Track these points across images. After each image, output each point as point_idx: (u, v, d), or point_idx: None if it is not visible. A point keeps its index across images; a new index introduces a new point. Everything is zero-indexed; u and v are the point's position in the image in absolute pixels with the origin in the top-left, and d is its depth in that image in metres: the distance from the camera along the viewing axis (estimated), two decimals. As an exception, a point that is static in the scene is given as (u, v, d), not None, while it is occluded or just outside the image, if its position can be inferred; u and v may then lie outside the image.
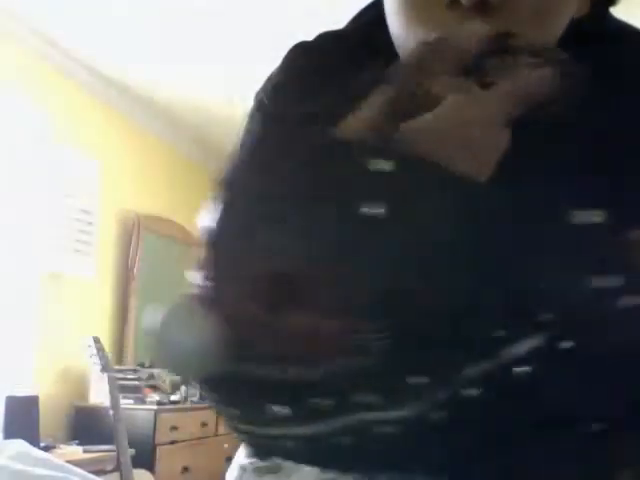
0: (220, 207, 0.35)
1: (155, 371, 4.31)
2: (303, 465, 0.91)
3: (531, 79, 0.36)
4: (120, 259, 4.34)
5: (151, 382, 4.18)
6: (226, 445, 4.19)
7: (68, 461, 2.72)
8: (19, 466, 2.05)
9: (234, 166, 0.36)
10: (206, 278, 0.35)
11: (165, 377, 4.32)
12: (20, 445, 2.29)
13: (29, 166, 3.52)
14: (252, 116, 0.74)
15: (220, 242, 0.35)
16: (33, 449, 2.36)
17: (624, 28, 0.64)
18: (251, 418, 0.36)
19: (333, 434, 0.34)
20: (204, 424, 4.14)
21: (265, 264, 0.32)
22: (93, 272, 3.93)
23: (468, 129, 0.34)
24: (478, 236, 0.31)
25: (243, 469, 0.92)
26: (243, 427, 0.36)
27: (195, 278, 0.36)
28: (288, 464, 0.89)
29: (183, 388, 4.20)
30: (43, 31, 3.51)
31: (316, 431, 0.34)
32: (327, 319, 0.31)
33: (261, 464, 0.91)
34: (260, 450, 0.38)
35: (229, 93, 3.98)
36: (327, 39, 0.74)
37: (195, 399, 4.33)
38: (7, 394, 3.15)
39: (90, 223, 3.94)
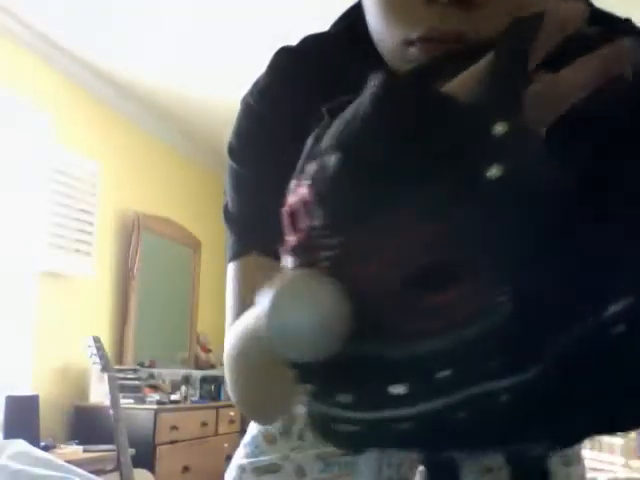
0: (339, 173, 0.32)
1: (155, 371, 4.32)
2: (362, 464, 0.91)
3: (623, 49, 0.35)
4: (120, 259, 4.34)
5: (151, 382, 4.18)
6: (226, 444, 4.19)
7: (68, 461, 2.72)
8: (19, 466, 2.05)
9: (348, 133, 0.33)
10: (334, 249, 0.32)
11: (165, 377, 4.32)
12: (20, 445, 2.29)
13: (29, 166, 3.52)
14: (240, 119, 0.74)
15: (348, 211, 0.32)
16: (33, 449, 2.36)
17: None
18: (365, 403, 0.32)
19: (451, 408, 0.32)
20: (204, 424, 4.14)
21: (410, 242, 0.31)
22: (93, 272, 3.93)
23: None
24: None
25: (242, 469, 0.92)
26: (352, 415, 0.33)
27: (317, 249, 0.32)
28: (287, 465, 0.89)
29: (183, 388, 4.20)
30: (44, 32, 3.51)
31: (434, 407, 0.32)
32: (464, 288, 0.31)
33: (260, 464, 0.91)
34: (356, 440, 0.33)
35: (230, 93, 3.98)
36: (311, 42, 0.74)
37: (195, 399, 4.33)
38: (7, 394, 3.16)
39: (90, 223, 3.94)
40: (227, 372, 0.68)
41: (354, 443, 0.35)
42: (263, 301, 0.33)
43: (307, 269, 0.33)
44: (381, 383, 0.32)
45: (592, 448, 3.91)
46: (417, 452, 0.37)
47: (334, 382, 0.34)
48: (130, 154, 4.45)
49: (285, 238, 0.35)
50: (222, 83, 4.01)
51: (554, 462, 0.89)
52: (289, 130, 0.68)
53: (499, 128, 0.31)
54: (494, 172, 0.30)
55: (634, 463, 3.49)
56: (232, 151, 0.74)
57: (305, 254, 0.34)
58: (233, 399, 0.70)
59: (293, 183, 0.36)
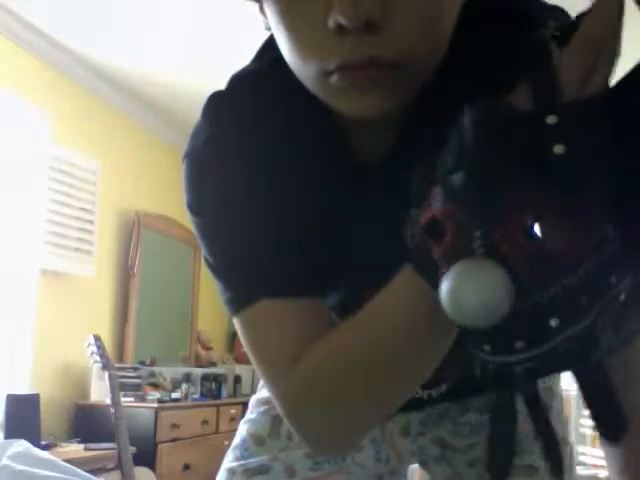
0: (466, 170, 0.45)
1: (156, 369, 4.32)
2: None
3: None
4: (120, 257, 4.34)
5: (152, 380, 4.18)
6: (227, 442, 4.19)
7: (69, 459, 2.73)
8: (21, 466, 2.05)
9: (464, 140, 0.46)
10: (481, 238, 0.44)
11: (166, 375, 4.32)
12: (22, 445, 2.29)
13: (29, 165, 3.52)
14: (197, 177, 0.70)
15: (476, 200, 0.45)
16: (35, 449, 2.36)
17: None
18: (536, 341, 0.45)
19: (557, 348, 0.45)
20: (205, 422, 4.15)
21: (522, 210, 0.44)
22: (93, 271, 3.93)
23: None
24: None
25: (232, 472, 0.92)
26: (529, 354, 0.45)
27: (468, 242, 0.45)
28: (277, 465, 0.89)
29: (184, 386, 4.20)
30: (44, 31, 3.51)
31: (549, 347, 0.45)
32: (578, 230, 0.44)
33: (250, 466, 0.91)
34: (533, 373, 0.47)
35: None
36: (243, 84, 0.73)
37: (196, 397, 4.34)
38: (8, 393, 3.16)
39: (90, 222, 3.94)
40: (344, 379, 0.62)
41: (531, 376, 0.47)
42: (444, 287, 0.45)
43: (471, 258, 0.44)
44: (543, 321, 0.44)
45: (593, 445, 3.91)
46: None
47: (510, 335, 0.45)
48: (130, 153, 4.45)
49: (431, 247, 0.48)
50: (223, 83, 4.00)
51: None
52: (245, 171, 0.69)
53: (551, 120, 0.44)
54: (558, 149, 0.43)
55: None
56: (192, 207, 0.71)
57: (458, 250, 0.45)
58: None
59: (423, 204, 0.49)
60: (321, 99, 0.62)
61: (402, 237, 0.65)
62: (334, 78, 0.58)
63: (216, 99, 0.74)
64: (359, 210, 0.71)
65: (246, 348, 0.69)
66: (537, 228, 0.44)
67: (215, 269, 0.71)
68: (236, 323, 0.69)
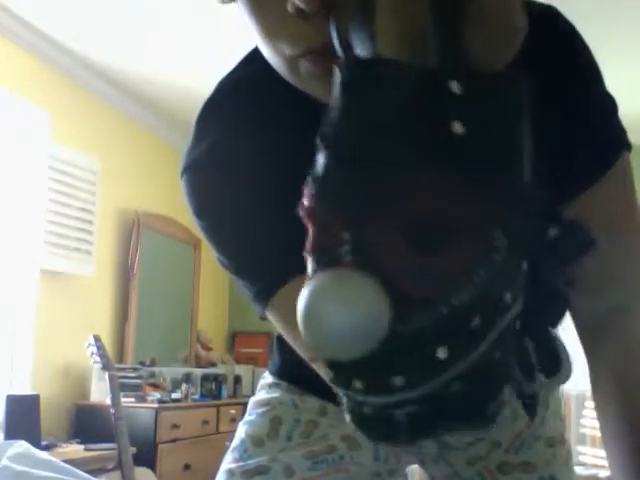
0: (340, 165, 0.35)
1: (156, 369, 4.32)
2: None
3: None
4: (120, 257, 4.34)
5: (152, 380, 4.18)
6: (227, 443, 4.19)
7: (69, 459, 2.72)
8: (21, 467, 2.05)
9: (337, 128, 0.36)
10: (349, 243, 0.34)
11: (166, 375, 4.32)
12: (22, 446, 2.29)
13: (29, 165, 3.52)
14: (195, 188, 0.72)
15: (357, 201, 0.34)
16: (35, 450, 2.35)
17: None
18: (419, 378, 0.35)
19: (447, 387, 0.35)
20: (205, 422, 4.14)
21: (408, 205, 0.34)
22: (93, 270, 3.93)
23: None
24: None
25: (231, 473, 0.92)
26: (409, 395, 0.34)
27: (334, 247, 0.34)
28: (275, 466, 0.90)
29: (184, 386, 4.20)
30: (44, 31, 3.51)
31: (437, 385, 0.35)
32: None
33: (249, 467, 0.91)
34: (420, 421, 0.36)
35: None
36: (237, 89, 0.74)
37: (196, 397, 4.33)
38: (8, 393, 3.16)
39: (90, 222, 3.94)
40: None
41: (417, 427, 0.36)
42: (299, 305, 0.33)
43: (335, 269, 0.33)
44: (428, 350, 0.34)
45: (593, 445, 3.91)
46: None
47: (387, 368, 0.34)
48: (130, 152, 4.45)
49: (306, 242, 0.36)
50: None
51: (539, 445, 0.92)
52: (249, 172, 0.70)
53: (454, 88, 0.34)
54: (457, 128, 0.33)
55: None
56: (201, 214, 0.72)
57: (321, 257, 0.34)
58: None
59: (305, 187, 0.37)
60: (296, 86, 0.62)
61: None
62: (304, 64, 0.58)
63: (211, 107, 0.75)
64: None
65: (287, 339, 0.73)
66: (422, 230, 0.34)
67: (232, 269, 0.73)
68: (270, 318, 0.72)
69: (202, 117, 0.75)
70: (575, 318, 0.71)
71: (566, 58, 0.65)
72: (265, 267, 0.71)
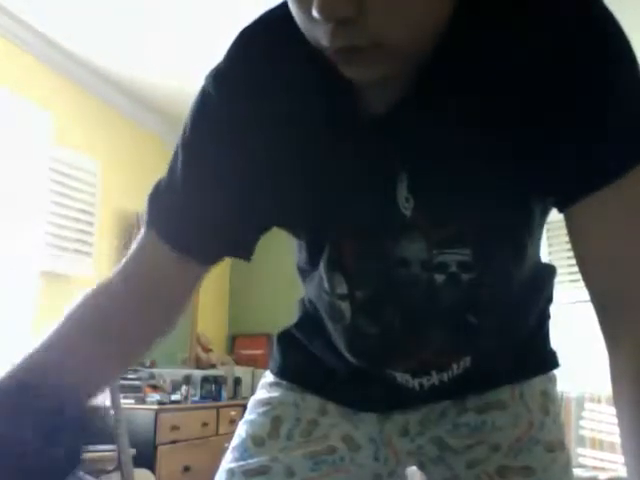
0: None
1: (155, 371, 4.32)
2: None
3: None
4: (120, 259, 4.26)
5: (151, 382, 4.18)
6: (227, 444, 4.18)
7: (69, 461, 2.72)
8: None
9: None
10: None
11: (166, 377, 4.32)
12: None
13: (29, 166, 3.52)
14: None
15: None
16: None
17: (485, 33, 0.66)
18: None
19: None
20: (205, 424, 4.14)
21: None
22: (93, 272, 3.93)
23: None
24: None
25: (231, 473, 0.92)
26: None
27: None
28: (276, 466, 0.90)
29: (184, 388, 4.20)
30: (44, 32, 3.51)
31: None
32: None
33: (249, 466, 0.91)
34: None
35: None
36: (268, 25, 0.76)
37: (196, 399, 4.33)
38: (8, 394, 3.15)
39: (90, 223, 3.94)
40: None
41: None
42: None
43: None
44: None
45: (592, 447, 3.91)
46: None
47: None
48: (130, 154, 4.45)
49: None
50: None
51: (538, 449, 0.92)
52: (234, 120, 0.74)
53: None
54: None
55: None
56: (183, 132, 0.79)
57: None
58: None
59: None
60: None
61: (392, 187, 0.72)
62: (327, 51, 0.62)
63: (241, 34, 0.77)
64: (356, 157, 0.74)
65: None
66: None
67: (162, 185, 0.82)
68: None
69: (235, 39, 0.77)
70: (600, 325, 0.68)
71: (594, 44, 0.63)
72: (178, 222, 0.78)
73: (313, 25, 0.60)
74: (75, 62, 3.83)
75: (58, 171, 3.69)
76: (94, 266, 3.94)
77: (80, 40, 3.62)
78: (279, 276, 4.79)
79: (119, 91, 4.23)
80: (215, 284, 5.19)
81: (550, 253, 4.34)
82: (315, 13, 0.56)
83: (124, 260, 0.84)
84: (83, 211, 3.89)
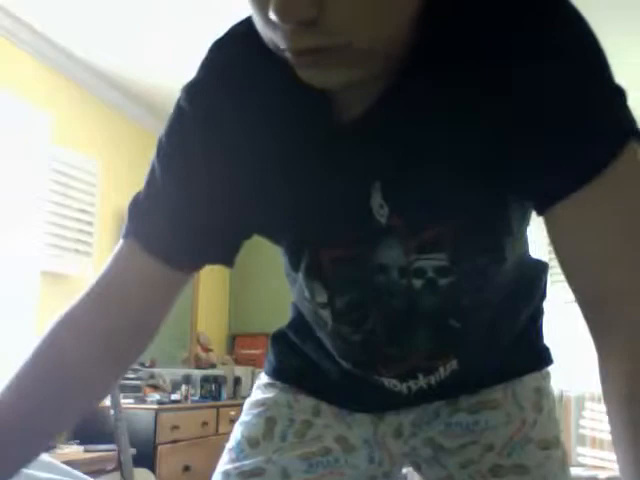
0: None
1: (155, 370, 4.32)
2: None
3: None
4: (120, 258, 4.33)
5: (151, 382, 4.18)
6: (226, 444, 4.19)
7: (69, 461, 2.72)
8: (24, 469, 2.04)
9: None
10: None
11: (165, 376, 4.32)
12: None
13: (29, 165, 3.52)
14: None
15: None
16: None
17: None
18: None
19: None
20: (205, 423, 4.14)
21: None
22: (93, 272, 3.93)
23: None
24: None
25: (227, 474, 0.92)
26: None
27: None
28: (271, 467, 0.90)
29: (183, 387, 4.20)
30: (44, 32, 3.51)
31: None
32: None
33: (245, 468, 0.91)
34: None
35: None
36: (238, 36, 0.78)
37: (195, 398, 4.33)
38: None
39: (89, 222, 3.94)
40: None
41: None
42: None
43: None
44: None
45: (592, 446, 3.91)
46: None
47: None
48: (130, 153, 4.45)
49: None
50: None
51: (531, 447, 0.91)
52: (207, 133, 0.75)
53: None
54: None
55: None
56: (159, 144, 0.81)
57: None
58: None
59: None
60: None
61: (365, 195, 0.72)
62: (288, 55, 0.59)
63: (212, 47, 0.79)
64: (329, 167, 0.73)
65: None
66: None
67: (134, 201, 0.84)
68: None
69: (207, 51, 0.79)
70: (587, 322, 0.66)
71: (564, 43, 0.62)
72: (141, 220, 0.81)
73: (272, 28, 0.57)
74: (75, 62, 3.82)
75: (58, 171, 3.69)
76: (94, 266, 3.94)
77: (80, 40, 3.62)
78: (279, 276, 4.75)
79: (119, 91, 4.23)
80: (215, 284, 5.20)
81: (550, 252, 4.34)
82: (272, 15, 0.53)
83: (97, 277, 0.86)
84: (83, 211, 3.89)
